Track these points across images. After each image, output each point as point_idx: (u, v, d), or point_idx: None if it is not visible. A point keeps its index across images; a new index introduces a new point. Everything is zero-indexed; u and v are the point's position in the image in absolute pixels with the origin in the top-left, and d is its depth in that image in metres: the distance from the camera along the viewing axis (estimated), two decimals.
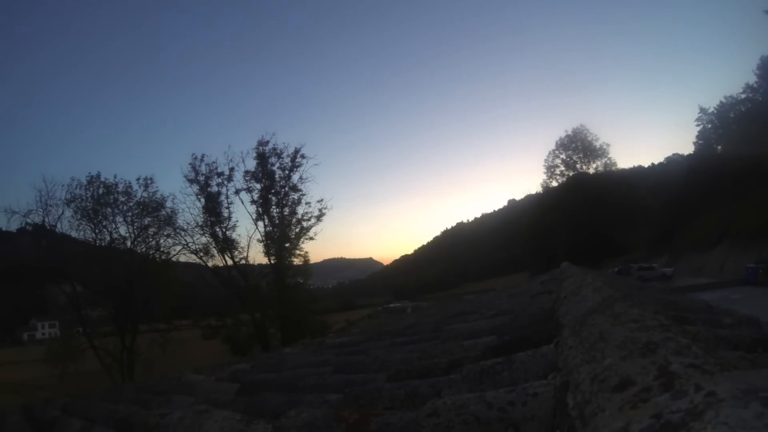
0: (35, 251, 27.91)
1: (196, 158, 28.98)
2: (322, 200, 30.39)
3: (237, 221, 29.63)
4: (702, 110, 65.26)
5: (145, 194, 27.48)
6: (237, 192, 29.54)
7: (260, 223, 30.01)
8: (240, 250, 29.46)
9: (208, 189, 28.94)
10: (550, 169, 63.57)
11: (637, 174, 65.23)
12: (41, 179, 25.10)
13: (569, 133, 62.00)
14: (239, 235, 30.97)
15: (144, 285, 26.48)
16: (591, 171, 60.59)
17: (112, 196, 26.68)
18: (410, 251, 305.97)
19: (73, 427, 3.10)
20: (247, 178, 29.67)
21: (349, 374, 2.59)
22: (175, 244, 28.72)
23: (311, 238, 30.40)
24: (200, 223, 28.81)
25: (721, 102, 64.47)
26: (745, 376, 0.60)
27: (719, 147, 60.53)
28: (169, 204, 28.11)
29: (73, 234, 26.67)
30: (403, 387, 1.74)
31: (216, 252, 29.23)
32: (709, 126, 64.92)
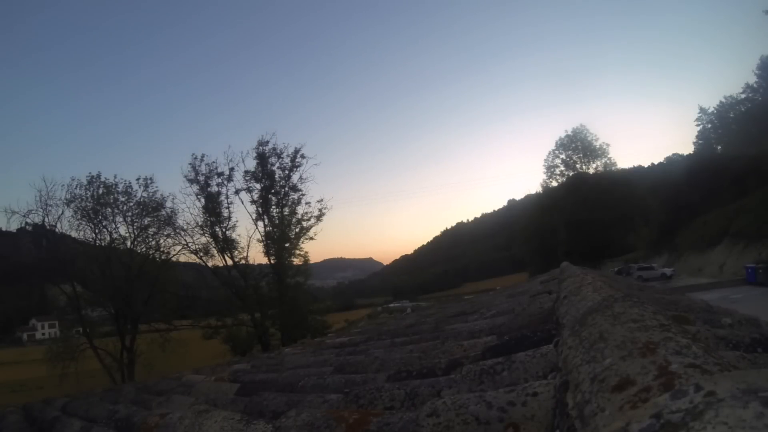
0: (35, 251, 27.88)
1: (196, 158, 28.94)
2: (322, 200, 30.35)
3: (237, 221, 29.57)
4: (702, 110, 65.10)
5: (145, 194, 27.45)
6: (237, 192, 29.51)
7: (260, 223, 29.98)
8: (240, 250, 29.41)
9: (208, 189, 28.89)
10: (550, 169, 63.53)
11: (637, 174, 65.26)
12: (41, 179, 25.01)
13: (569, 133, 61.96)
14: (239, 235, 30.84)
15: (144, 285, 26.44)
16: (591, 171, 60.52)
17: (112, 196, 26.64)
18: (410, 251, 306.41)
19: (73, 427, 3.10)
20: (247, 178, 29.65)
21: (349, 374, 2.59)
22: (175, 244, 28.65)
23: (311, 238, 30.35)
24: (200, 223, 28.74)
25: (721, 102, 64.28)
26: (745, 376, 0.59)
27: (719, 147, 60.32)
28: (169, 204, 28.06)
29: (73, 234, 26.62)
30: (403, 387, 1.74)
31: (216, 252, 29.18)
32: (709, 126, 64.74)
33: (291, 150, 30.13)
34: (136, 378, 21.70)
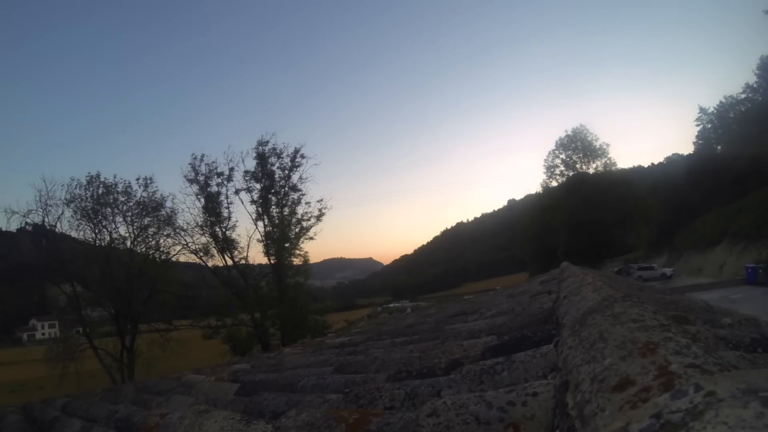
0: (35, 251, 27.88)
1: (195, 158, 28.92)
2: (321, 200, 30.37)
3: (237, 221, 29.56)
4: (702, 110, 65.12)
5: (144, 194, 27.44)
6: (237, 192, 29.50)
7: (260, 223, 29.97)
8: (240, 250, 29.40)
9: (208, 189, 28.88)
10: (550, 169, 63.33)
11: (637, 174, 65.14)
12: (41, 179, 25.02)
13: (569, 133, 61.82)
14: (239, 235, 30.84)
15: (144, 285, 26.44)
16: (591, 171, 60.40)
17: (111, 196, 26.63)
18: (410, 251, 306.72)
19: (73, 427, 3.10)
20: (247, 178, 29.64)
21: (349, 374, 2.59)
22: (175, 244, 28.63)
23: (311, 238, 30.35)
24: (200, 223, 28.73)
25: (721, 102, 64.32)
26: (745, 376, 0.59)
27: (719, 147, 60.33)
28: (168, 204, 28.06)
29: (73, 234, 26.62)
30: (403, 387, 1.74)
31: (216, 252, 29.16)
32: (709, 126, 64.74)
33: (291, 150, 30.17)
34: (136, 378, 21.69)
